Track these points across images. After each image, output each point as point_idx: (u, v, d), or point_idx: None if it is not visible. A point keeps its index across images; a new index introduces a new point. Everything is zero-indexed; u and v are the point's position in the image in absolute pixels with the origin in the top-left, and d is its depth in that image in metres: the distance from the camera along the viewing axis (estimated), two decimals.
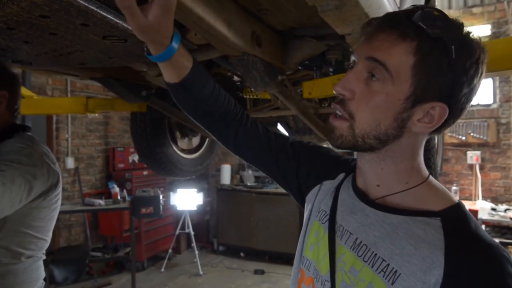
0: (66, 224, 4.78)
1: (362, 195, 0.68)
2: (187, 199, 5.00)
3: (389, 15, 0.62)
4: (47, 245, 1.26)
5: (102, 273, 4.65)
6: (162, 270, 4.91)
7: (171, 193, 5.12)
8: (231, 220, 5.54)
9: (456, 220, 0.59)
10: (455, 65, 0.56)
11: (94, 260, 4.08)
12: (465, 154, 4.42)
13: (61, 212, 4.55)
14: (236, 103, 0.89)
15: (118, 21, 0.85)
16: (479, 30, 4.40)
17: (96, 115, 4.48)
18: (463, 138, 4.44)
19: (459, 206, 0.62)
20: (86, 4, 0.76)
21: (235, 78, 2.16)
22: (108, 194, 4.52)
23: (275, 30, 1.28)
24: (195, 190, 5.07)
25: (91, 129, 5.16)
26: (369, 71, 0.60)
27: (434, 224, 0.59)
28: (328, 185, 0.78)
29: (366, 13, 0.92)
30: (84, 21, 0.84)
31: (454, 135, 4.45)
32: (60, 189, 1.26)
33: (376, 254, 0.61)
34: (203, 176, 6.21)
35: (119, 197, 4.05)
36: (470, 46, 0.58)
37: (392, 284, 0.57)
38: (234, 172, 5.98)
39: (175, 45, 0.69)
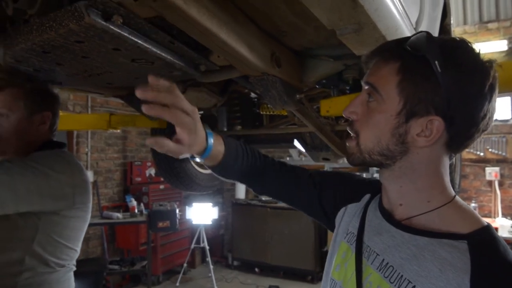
0: (84, 236, 4.84)
1: (388, 216, 0.70)
2: (202, 213, 5.04)
3: (381, 45, 0.71)
4: (77, 255, 1.28)
5: (118, 286, 4.70)
6: (177, 284, 4.92)
7: (187, 207, 5.16)
8: (246, 235, 5.54)
9: (483, 243, 0.59)
10: (443, 79, 0.60)
11: (111, 273, 4.12)
12: (484, 170, 4.35)
13: None
14: (259, 151, 0.97)
15: (147, 46, 0.90)
16: (495, 45, 4.37)
17: (119, 131, 4.59)
18: (481, 154, 4.37)
19: (487, 229, 0.62)
20: (119, 31, 0.82)
21: (252, 94, 2.21)
22: (125, 207, 4.60)
23: (293, 50, 1.32)
24: (210, 204, 5.10)
25: (109, 143, 5.27)
26: (367, 94, 0.68)
27: (460, 248, 0.59)
28: (353, 208, 0.81)
29: (383, 36, 0.95)
30: (116, 46, 0.89)
31: (472, 151, 4.39)
32: (89, 199, 1.27)
33: (402, 276, 0.61)
34: (218, 190, 6.24)
35: (136, 211, 4.12)
36: (460, 60, 0.61)
37: None
38: None
39: (210, 143, 0.78)
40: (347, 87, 1.41)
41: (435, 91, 0.60)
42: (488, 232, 0.61)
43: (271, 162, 0.97)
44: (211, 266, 4.90)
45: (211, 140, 0.78)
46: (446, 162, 0.67)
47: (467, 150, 4.34)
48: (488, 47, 4.42)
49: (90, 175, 4.95)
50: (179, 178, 2.34)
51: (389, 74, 0.64)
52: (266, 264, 5.31)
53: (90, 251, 4.88)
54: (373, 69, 0.68)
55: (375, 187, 0.80)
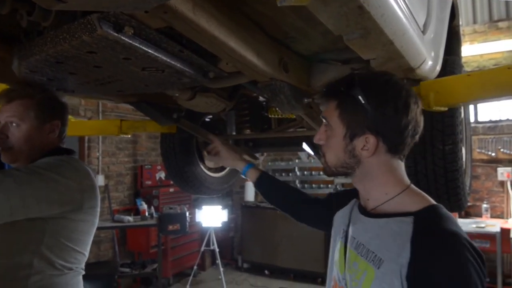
0: (95, 240, 4.89)
1: (363, 209, 0.91)
2: (212, 216, 5.06)
3: (327, 87, 0.95)
4: (85, 259, 1.29)
5: None
6: (188, 287, 4.94)
7: (197, 210, 5.19)
8: (256, 237, 5.54)
9: (426, 217, 0.78)
10: (368, 107, 0.82)
11: (122, 276, 4.16)
12: (496, 171, 4.29)
13: None
14: (296, 188, 1.41)
15: (158, 55, 0.92)
16: (506, 44, 4.32)
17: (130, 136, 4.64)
18: (493, 154, 4.31)
19: (434, 207, 0.80)
20: (131, 42, 0.84)
21: (261, 98, 2.22)
22: (136, 211, 4.64)
23: (301, 55, 1.33)
24: (220, 207, 5.12)
25: (120, 147, 5.33)
26: (324, 125, 0.92)
27: (407, 221, 0.78)
28: (344, 211, 1.01)
29: (390, 40, 0.96)
30: (127, 55, 0.92)
31: (483, 151, 4.34)
32: (96, 204, 1.29)
33: (369, 250, 0.82)
34: (227, 193, 6.26)
35: (147, 214, 4.15)
36: (378, 90, 0.84)
37: (378, 268, 0.78)
38: None
39: (246, 170, 1.37)
40: None
41: (364, 117, 0.83)
42: (434, 209, 0.80)
43: (303, 198, 1.30)
44: (221, 269, 4.92)
45: (247, 169, 1.37)
46: (395, 162, 0.87)
47: (478, 150, 4.30)
48: (499, 46, 4.37)
49: (101, 179, 5.01)
50: (188, 182, 2.36)
51: (332, 109, 0.88)
52: (276, 266, 5.31)
53: (101, 254, 4.94)
54: (324, 106, 0.92)
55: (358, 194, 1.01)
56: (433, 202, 0.82)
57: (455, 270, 0.70)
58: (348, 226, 0.94)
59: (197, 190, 2.45)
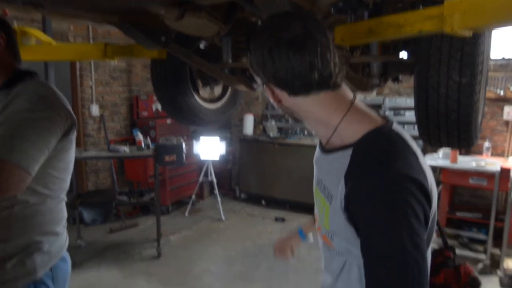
0: (94, 169, 4.95)
1: (321, 147, 0.92)
2: (210, 148, 5.04)
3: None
4: (67, 186, 1.32)
5: (129, 215, 4.88)
6: (186, 214, 5.09)
7: (194, 142, 5.15)
8: (253, 170, 5.59)
9: (362, 149, 0.77)
10: (250, 56, 0.82)
11: (120, 203, 4.24)
12: (502, 110, 4.16)
13: (88, 158, 4.64)
14: None
15: None
16: None
17: (117, 62, 4.41)
18: (501, 92, 4.14)
19: (370, 136, 0.78)
20: None
21: (260, 23, 2.01)
22: (132, 141, 4.60)
23: None
24: (217, 138, 5.08)
25: (114, 76, 5.14)
26: None
27: (347, 154, 0.78)
28: (316, 155, 0.99)
29: None
30: None
31: (491, 89, 4.16)
32: (75, 129, 1.28)
33: (325, 186, 0.85)
34: (225, 125, 6.19)
35: (143, 145, 4.10)
36: (255, 38, 0.80)
37: (330, 204, 0.81)
38: (257, 123, 5.93)
39: (300, 233, 1.37)
40: (366, 12, 1.24)
41: (254, 67, 0.83)
42: (371, 138, 0.77)
43: None
44: (219, 198, 5.02)
45: (302, 235, 1.36)
46: (319, 97, 0.80)
47: (486, 88, 4.11)
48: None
49: (95, 109, 4.90)
50: (182, 113, 2.25)
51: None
52: (273, 197, 5.43)
53: (100, 182, 5.01)
54: None
55: None
56: (375, 124, 0.79)
57: (378, 199, 0.69)
58: (315, 162, 0.97)
59: (191, 121, 2.35)
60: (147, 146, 4.11)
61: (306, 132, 5.56)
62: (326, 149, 0.87)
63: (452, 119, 1.35)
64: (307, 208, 5.05)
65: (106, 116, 5.01)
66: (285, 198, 5.31)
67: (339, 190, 0.76)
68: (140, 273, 3.52)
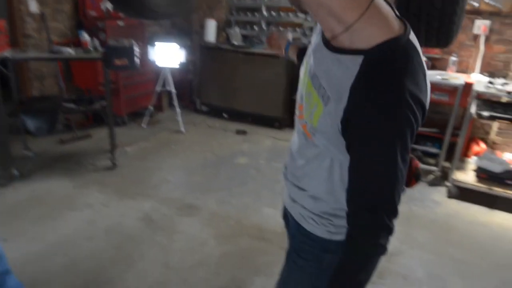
0: (37, 74, 4.47)
1: (325, 40, 0.82)
2: (168, 55, 4.64)
3: None
4: None
5: (81, 126, 4.58)
6: (144, 126, 4.87)
7: (149, 47, 4.72)
8: (215, 80, 5.31)
9: (375, 60, 0.70)
10: None
11: (68, 111, 3.91)
12: (473, 23, 4.02)
13: (28, 58, 4.13)
14: None
15: None
16: None
17: None
18: (476, 4, 3.96)
19: (388, 45, 0.70)
20: None
21: None
22: (78, 44, 4.11)
23: None
24: (176, 44, 4.66)
25: None
26: None
27: (356, 63, 0.72)
28: (317, 34, 0.92)
29: None
30: None
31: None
32: None
33: (321, 84, 0.80)
34: (185, 32, 5.70)
35: (89, 47, 3.67)
36: None
37: (325, 106, 0.78)
38: (220, 29, 5.47)
39: (287, 49, 1.46)
40: None
41: None
42: (389, 48, 0.70)
43: None
44: (178, 110, 4.80)
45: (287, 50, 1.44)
46: None
47: None
48: None
49: (34, 5, 4.26)
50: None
51: None
52: (235, 110, 5.27)
53: (45, 89, 4.57)
54: None
55: None
56: (392, 32, 0.71)
57: (384, 115, 0.68)
58: (312, 51, 0.90)
59: (139, 12, 2.00)
60: (95, 49, 3.68)
61: None
62: (332, 46, 0.79)
63: (436, 7, 1.17)
64: (269, 121, 4.98)
65: (48, 14, 4.38)
66: (247, 110, 5.16)
67: (341, 100, 0.73)
68: (94, 184, 3.39)
